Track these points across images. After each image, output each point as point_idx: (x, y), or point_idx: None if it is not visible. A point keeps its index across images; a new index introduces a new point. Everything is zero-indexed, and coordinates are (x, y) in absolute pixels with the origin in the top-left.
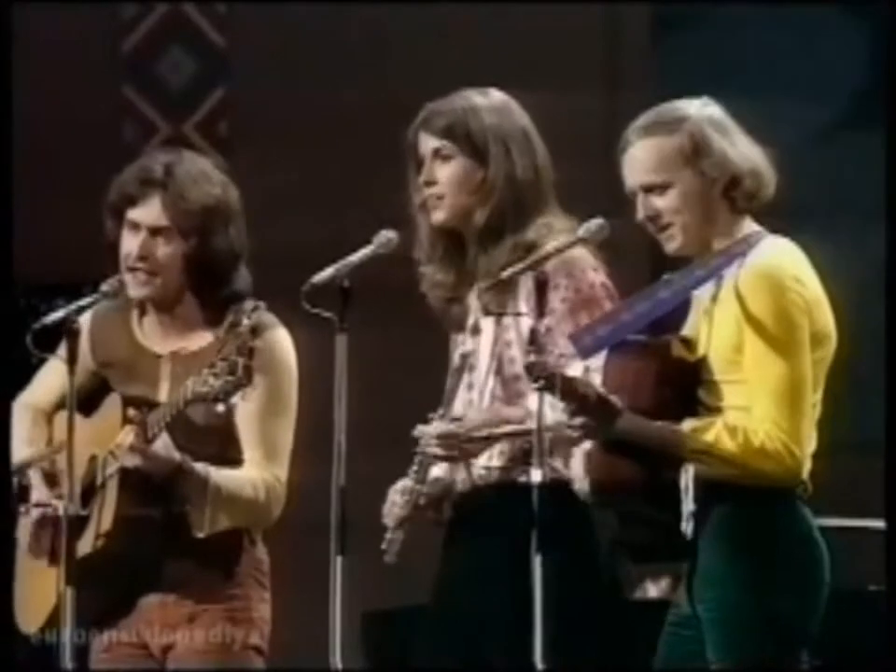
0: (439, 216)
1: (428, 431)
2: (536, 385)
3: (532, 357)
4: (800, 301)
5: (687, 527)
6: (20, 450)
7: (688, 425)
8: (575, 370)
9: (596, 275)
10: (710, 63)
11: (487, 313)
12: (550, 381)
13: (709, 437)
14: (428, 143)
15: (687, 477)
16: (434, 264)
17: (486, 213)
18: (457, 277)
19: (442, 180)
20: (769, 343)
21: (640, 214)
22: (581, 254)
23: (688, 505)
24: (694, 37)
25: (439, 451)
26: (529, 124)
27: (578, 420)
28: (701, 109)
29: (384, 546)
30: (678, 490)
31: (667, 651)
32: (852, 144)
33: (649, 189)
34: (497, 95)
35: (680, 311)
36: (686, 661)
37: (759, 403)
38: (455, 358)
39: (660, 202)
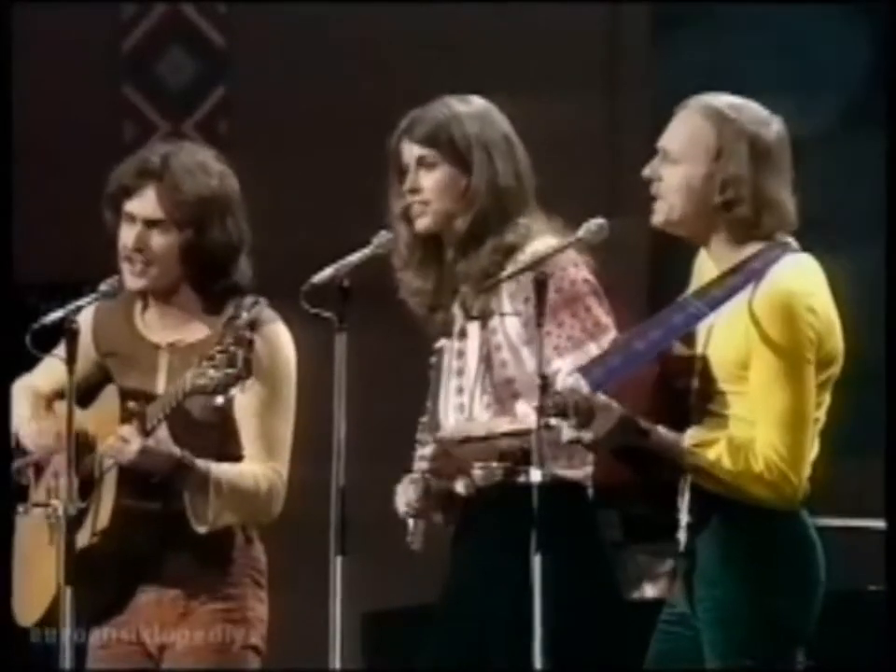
0: (423, 222)
1: (423, 454)
2: (551, 423)
3: (542, 401)
4: (811, 332)
5: (682, 537)
6: (19, 426)
7: (691, 438)
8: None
9: (577, 271)
10: (710, 63)
11: (472, 317)
12: (563, 410)
13: (711, 456)
14: (412, 151)
15: (685, 487)
16: (411, 271)
17: (469, 219)
18: (436, 283)
19: (427, 188)
20: (775, 372)
21: (646, 171)
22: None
23: (683, 516)
24: (694, 38)
25: (433, 471)
26: (510, 130)
27: (587, 434)
28: (759, 125)
29: (409, 538)
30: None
31: (661, 650)
32: (852, 144)
33: (665, 155)
34: (478, 102)
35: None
36: (679, 660)
37: (760, 429)
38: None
39: (666, 171)
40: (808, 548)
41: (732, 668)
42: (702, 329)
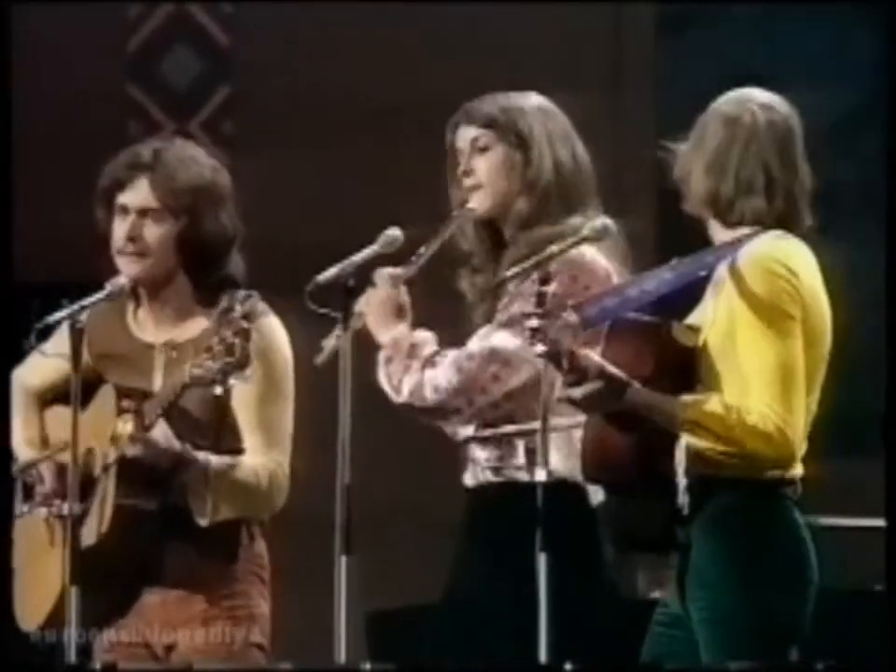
0: (481, 206)
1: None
2: (538, 352)
3: (536, 323)
4: (790, 289)
5: (684, 501)
6: (15, 435)
7: (684, 397)
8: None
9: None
10: (713, 62)
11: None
12: (555, 352)
13: (704, 409)
14: (467, 133)
15: (681, 453)
16: (471, 262)
17: (533, 200)
18: (491, 274)
19: (481, 170)
20: (759, 328)
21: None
22: (591, 257)
23: (681, 480)
24: (698, 37)
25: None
26: (569, 123)
27: (578, 392)
28: (758, 111)
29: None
30: (672, 480)
31: (656, 651)
32: (854, 144)
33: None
34: (536, 97)
35: (688, 295)
36: (674, 661)
37: (752, 388)
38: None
39: (682, 154)
40: (801, 547)
41: (731, 668)
42: (705, 314)
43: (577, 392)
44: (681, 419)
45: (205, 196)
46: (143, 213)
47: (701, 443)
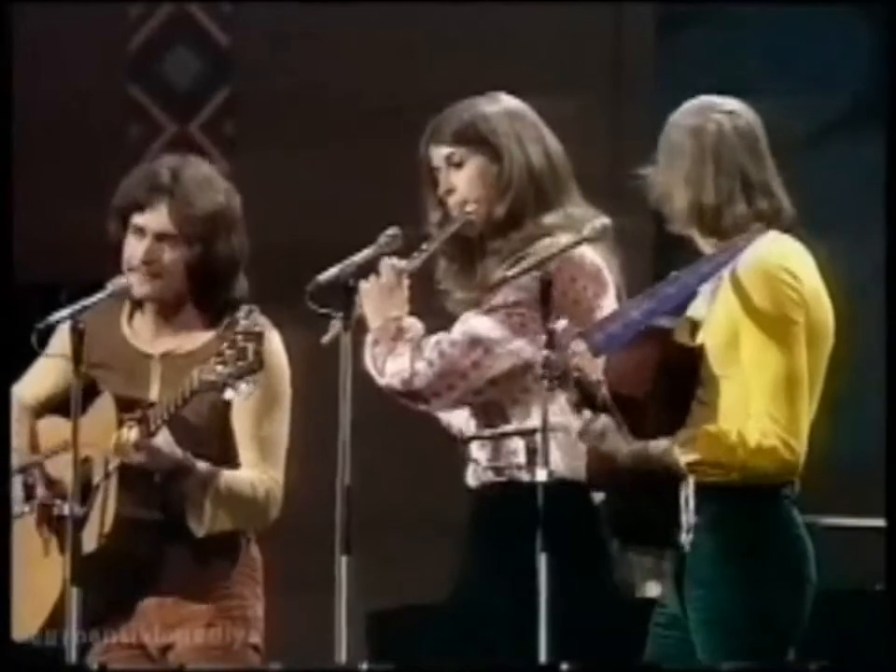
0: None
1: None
2: (549, 385)
3: (546, 355)
4: (793, 293)
5: (687, 539)
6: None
7: (678, 439)
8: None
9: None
10: (713, 62)
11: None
12: (563, 379)
13: (702, 447)
14: (440, 152)
15: (687, 490)
16: (452, 279)
17: (507, 204)
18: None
19: (461, 186)
20: (763, 335)
21: None
22: (579, 251)
23: (689, 517)
24: (698, 38)
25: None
26: (540, 122)
27: (581, 427)
28: (721, 117)
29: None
30: (671, 482)
31: (655, 652)
32: (854, 144)
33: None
34: (506, 99)
35: (686, 302)
36: (672, 661)
37: (754, 397)
38: None
39: (656, 175)
40: (799, 546)
41: (723, 668)
42: (700, 315)
43: (576, 422)
44: (683, 464)
45: (219, 222)
46: (160, 237)
47: (708, 477)
